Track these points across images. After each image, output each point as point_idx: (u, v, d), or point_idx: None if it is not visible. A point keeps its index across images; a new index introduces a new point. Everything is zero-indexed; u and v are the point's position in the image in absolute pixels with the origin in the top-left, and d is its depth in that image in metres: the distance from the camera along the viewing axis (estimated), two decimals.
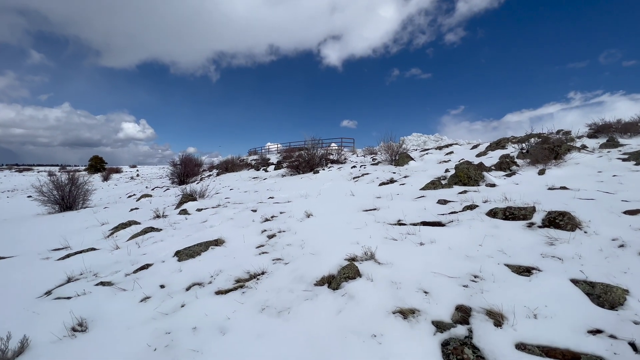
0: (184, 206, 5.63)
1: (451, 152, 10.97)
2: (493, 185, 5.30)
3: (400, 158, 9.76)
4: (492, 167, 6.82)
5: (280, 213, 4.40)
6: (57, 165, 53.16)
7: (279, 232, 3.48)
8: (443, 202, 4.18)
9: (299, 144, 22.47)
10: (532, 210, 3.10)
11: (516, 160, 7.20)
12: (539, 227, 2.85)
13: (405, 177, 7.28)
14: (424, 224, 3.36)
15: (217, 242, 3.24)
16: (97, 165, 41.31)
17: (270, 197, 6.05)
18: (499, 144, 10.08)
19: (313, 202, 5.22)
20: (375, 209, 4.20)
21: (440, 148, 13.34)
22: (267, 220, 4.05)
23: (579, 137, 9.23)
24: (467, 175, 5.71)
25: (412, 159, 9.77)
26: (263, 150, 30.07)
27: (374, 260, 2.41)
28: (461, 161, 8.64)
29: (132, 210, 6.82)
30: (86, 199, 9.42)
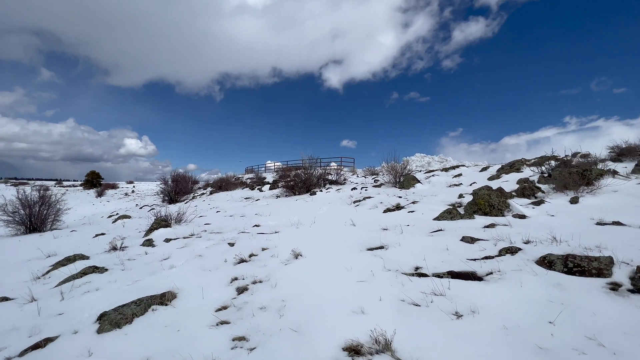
0: (152, 234, 4.71)
1: (459, 175, 10.14)
2: (522, 217, 4.40)
3: (405, 180, 8.92)
4: (514, 194, 5.95)
5: (262, 250, 3.48)
6: (55, 180, 52.41)
7: (254, 282, 2.55)
8: (469, 240, 3.27)
9: (297, 162, 21.52)
10: (609, 262, 2.19)
11: (539, 185, 6.35)
12: (630, 291, 1.94)
13: (413, 202, 6.39)
14: (453, 275, 2.45)
15: (164, 299, 2.30)
16: (93, 181, 40.43)
17: (255, 225, 5.12)
18: (512, 167, 9.26)
19: (305, 233, 4.29)
20: (382, 247, 3.29)
21: (446, 170, 12.54)
22: (242, 261, 3.12)
23: (602, 161, 8.42)
24: (489, 203, 4.83)
25: (419, 181, 8.93)
26: (260, 169, 29.24)
27: (390, 354, 1.49)
28: (473, 184, 7.80)
29: (97, 236, 5.87)
30: (57, 219, 8.48)
